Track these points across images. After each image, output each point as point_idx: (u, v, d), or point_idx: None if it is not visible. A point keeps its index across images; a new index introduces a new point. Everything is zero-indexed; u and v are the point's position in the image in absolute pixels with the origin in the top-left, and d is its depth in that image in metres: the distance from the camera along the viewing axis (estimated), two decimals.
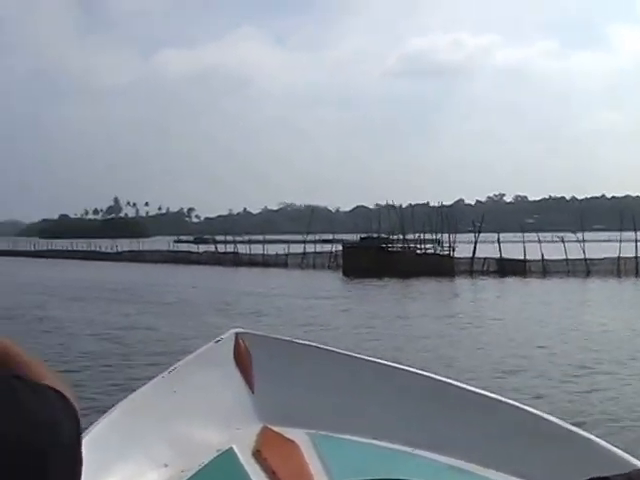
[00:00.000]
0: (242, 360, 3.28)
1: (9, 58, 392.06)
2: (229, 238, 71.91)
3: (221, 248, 69.38)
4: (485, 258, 49.48)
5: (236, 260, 63.48)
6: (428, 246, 51.89)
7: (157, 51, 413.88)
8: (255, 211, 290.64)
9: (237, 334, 3.35)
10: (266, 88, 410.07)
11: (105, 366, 15.10)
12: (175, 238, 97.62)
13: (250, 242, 69.21)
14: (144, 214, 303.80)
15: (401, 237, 53.09)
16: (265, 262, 60.74)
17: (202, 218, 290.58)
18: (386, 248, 50.93)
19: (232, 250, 67.25)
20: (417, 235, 53.61)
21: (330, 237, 65.70)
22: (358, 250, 50.55)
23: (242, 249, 67.24)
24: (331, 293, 35.53)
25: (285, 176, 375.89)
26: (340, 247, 55.97)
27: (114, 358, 16.20)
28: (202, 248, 73.58)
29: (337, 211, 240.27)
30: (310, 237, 62.94)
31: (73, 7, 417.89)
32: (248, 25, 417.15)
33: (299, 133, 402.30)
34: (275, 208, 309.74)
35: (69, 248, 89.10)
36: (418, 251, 51.13)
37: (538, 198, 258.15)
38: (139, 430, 2.77)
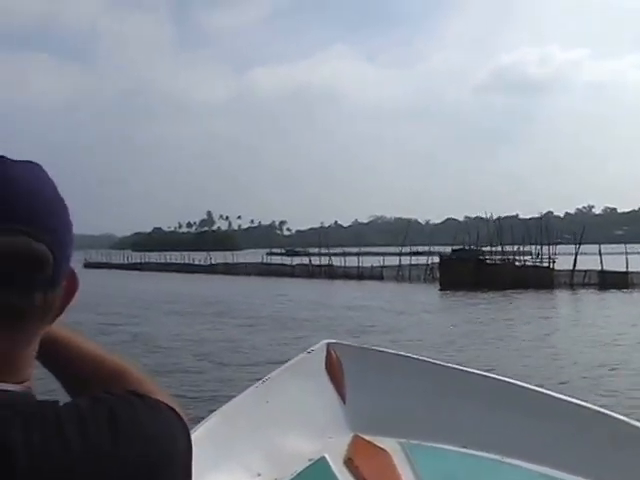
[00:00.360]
0: (333, 370, 3.36)
1: (105, 76, 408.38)
2: (323, 250, 72.27)
3: (314, 260, 69.85)
4: (586, 270, 48.39)
5: (330, 273, 63.76)
6: (526, 258, 51.13)
7: (250, 68, 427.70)
8: (346, 224, 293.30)
9: (328, 344, 3.45)
10: (357, 104, 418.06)
11: (205, 392, 13.99)
12: (267, 251, 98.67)
13: (345, 254, 69.38)
14: (236, 227, 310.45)
15: (494, 249, 52.77)
16: (360, 275, 60.76)
17: (293, 231, 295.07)
18: (484, 260, 50.30)
19: (326, 263, 67.64)
20: (516, 247, 53.08)
21: (422, 249, 65.63)
22: (456, 262, 49.95)
23: (336, 261, 67.59)
24: (434, 307, 35.16)
25: (375, 189, 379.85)
26: (436, 259, 55.59)
27: (214, 383, 15.21)
28: (295, 261, 74.11)
29: (427, 223, 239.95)
30: (404, 249, 62.86)
31: (168, 25, 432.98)
32: (340, 43, 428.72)
33: (389, 147, 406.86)
34: (365, 221, 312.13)
35: (162, 261, 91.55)
36: (517, 263, 50.36)
37: (627, 210, 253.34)
38: (233, 439, 2.88)
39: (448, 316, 30.50)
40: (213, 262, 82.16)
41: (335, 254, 71.37)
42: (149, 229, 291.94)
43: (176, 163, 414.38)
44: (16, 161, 0.91)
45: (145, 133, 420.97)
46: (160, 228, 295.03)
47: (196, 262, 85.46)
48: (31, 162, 0.93)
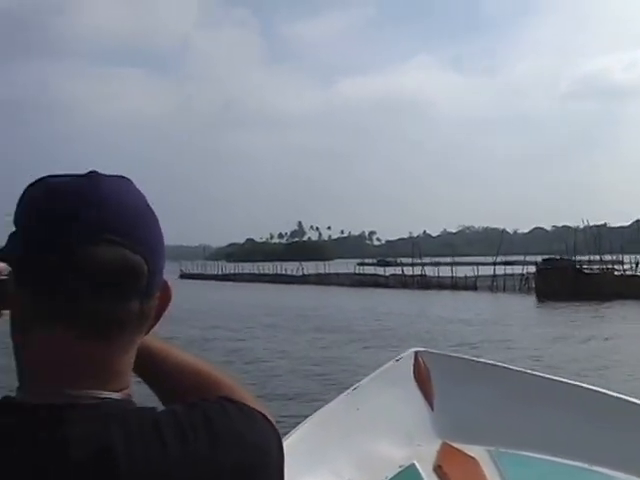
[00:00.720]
0: (421, 378, 3.43)
1: (193, 88, 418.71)
2: (416, 260, 71.86)
3: (406, 270, 69.45)
4: None
5: (423, 283, 63.36)
6: (625, 267, 49.81)
7: (337, 79, 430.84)
8: (434, 233, 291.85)
9: (416, 352, 3.52)
10: (444, 113, 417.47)
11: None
12: (358, 261, 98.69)
13: (439, 264, 68.78)
14: (326, 237, 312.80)
15: (592, 258, 51.87)
16: (454, 285, 60.24)
17: (383, 241, 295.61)
18: (582, 270, 49.12)
19: (420, 273, 67.17)
20: (615, 256, 51.87)
21: (514, 259, 64.74)
22: (553, 272, 48.88)
23: (428, 271, 67.08)
24: (538, 320, 34.26)
25: (463, 198, 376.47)
26: (531, 269, 54.68)
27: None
28: (388, 271, 73.84)
29: (515, 233, 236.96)
30: (492, 259, 62.23)
31: (256, 38, 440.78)
32: (425, 53, 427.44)
33: (475, 156, 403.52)
34: (454, 231, 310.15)
35: (255, 271, 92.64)
36: (616, 273, 49.00)
37: None
38: (324, 446, 2.97)
39: (557, 329, 28.82)
40: (305, 272, 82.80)
41: (428, 264, 70.86)
42: (242, 240, 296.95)
43: (269, 174, 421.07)
44: (107, 175, 0.95)
45: (235, 145, 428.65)
46: (252, 239, 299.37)
47: (288, 272, 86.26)
48: (121, 176, 0.97)
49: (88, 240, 0.89)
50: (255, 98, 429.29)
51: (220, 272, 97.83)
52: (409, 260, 73.54)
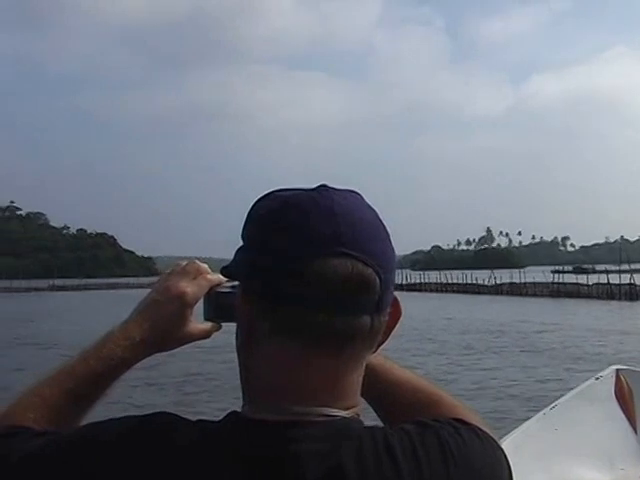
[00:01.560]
0: (623, 397, 3.40)
1: (377, 91, 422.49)
2: (623, 267, 68.66)
3: (612, 279, 66.11)
4: None
5: (633, 293, 60.63)
6: None
7: (527, 78, 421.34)
8: (632, 238, 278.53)
9: (617, 370, 3.49)
10: None
11: None
12: (552, 268, 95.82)
13: None
14: (517, 244, 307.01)
15: None
16: None
17: (577, 246, 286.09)
18: None
19: (627, 281, 64.02)
20: None
21: None
22: None
23: (638, 280, 63.74)
24: None
25: None
26: None
27: None
28: (591, 279, 70.87)
29: None
30: None
31: (441, 37, 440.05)
32: (621, 44, 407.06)
33: None
34: None
35: (442, 280, 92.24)
36: None
37: None
38: (521, 467, 3.01)
39: None
40: (497, 281, 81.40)
41: (638, 271, 67.52)
42: (428, 247, 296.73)
43: (456, 179, 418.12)
44: (337, 189, 0.99)
45: (421, 149, 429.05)
46: (439, 246, 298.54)
47: (479, 281, 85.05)
48: (352, 190, 1.01)
49: (323, 252, 0.91)
50: (440, 100, 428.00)
51: (405, 281, 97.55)
52: (613, 267, 70.36)
